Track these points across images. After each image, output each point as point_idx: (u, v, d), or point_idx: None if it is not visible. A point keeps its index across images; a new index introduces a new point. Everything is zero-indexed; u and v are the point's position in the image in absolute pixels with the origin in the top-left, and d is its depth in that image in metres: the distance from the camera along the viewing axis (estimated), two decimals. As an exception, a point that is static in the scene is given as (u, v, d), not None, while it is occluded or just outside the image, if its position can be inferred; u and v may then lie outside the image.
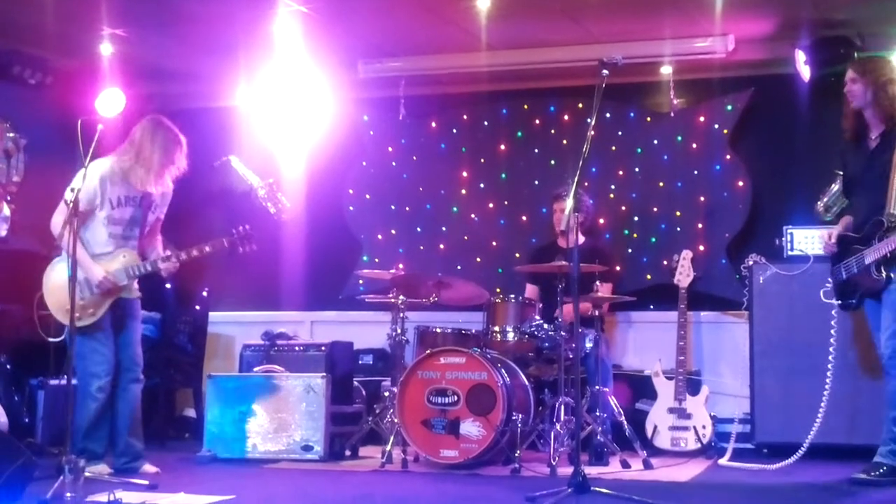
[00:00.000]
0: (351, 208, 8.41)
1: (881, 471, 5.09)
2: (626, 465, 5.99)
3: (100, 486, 4.88)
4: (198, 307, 7.93)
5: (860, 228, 5.32)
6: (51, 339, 5.40)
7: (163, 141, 5.65)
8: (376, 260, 8.16)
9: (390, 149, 8.37)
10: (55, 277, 5.59)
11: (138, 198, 5.66)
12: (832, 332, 5.79)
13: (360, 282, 8.08)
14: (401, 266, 7.16)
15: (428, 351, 6.16)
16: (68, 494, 4.58)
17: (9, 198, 6.60)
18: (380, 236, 8.32)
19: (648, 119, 7.87)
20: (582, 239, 5.15)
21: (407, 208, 8.31)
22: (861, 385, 6.16)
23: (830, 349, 5.82)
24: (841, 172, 5.79)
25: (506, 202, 8.10)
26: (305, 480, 5.72)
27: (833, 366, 5.83)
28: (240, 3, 6.59)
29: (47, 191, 6.07)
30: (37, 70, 7.51)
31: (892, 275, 5.11)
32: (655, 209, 7.76)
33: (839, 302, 5.53)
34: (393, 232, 8.32)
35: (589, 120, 5.02)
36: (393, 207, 8.33)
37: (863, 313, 5.49)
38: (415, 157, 8.33)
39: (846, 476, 5.24)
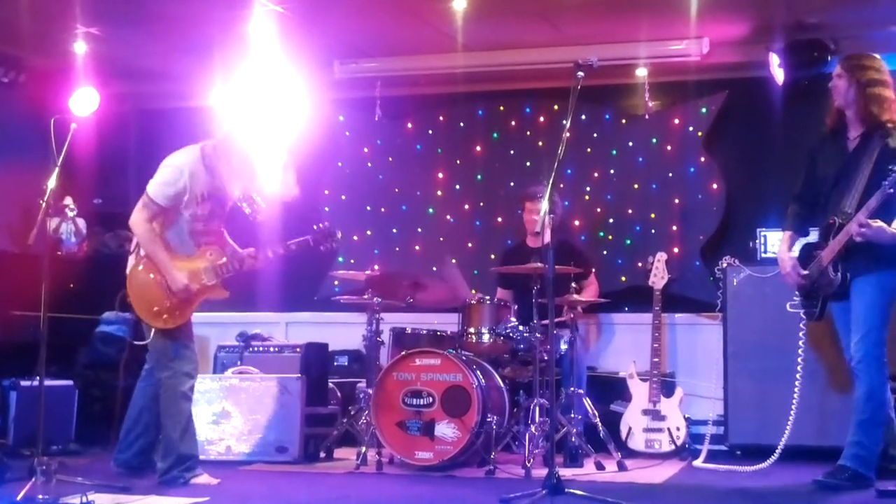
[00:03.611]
0: (326, 209, 8.39)
1: (846, 475, 5.03)
2: (600, 466, 6.00)
3: (72, 489, 4.85)
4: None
5: (822, 232, 5.23)
6: (136, 342, 5.33)
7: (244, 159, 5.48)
8: (352, 261, 8.15)
9: (366, 149, 8.37)
10: (141, 278, 5.36)
11: (220, 192, 5.48)
12: (801, 334, 5.82)
13: (336, 283, 8.07)
14: (376, 267, 7.14)
15: (403, 352, 6.15)
16: (40, 496, 4.55)
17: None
18: (355, 237, 8.30)
19: (623, 121, 7.89)
20: (548, 237, 5.13)
21: (382, 209, 8.30)
22: (830, 387, 6.21)
23: (800, 351, 5.85)
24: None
25: (481, 203, 8.11)
26: (280, 482, 5.70)
27: (803, 368, 5.86)
28: (215, 3, 6.57)
29: (19, 190, 6.05)
30: (10, 68, 7.45)
31: (849, 274, 5.04)
32: (630, 211, 7.79)
33: (804, 311, 5.42)
34: (368, 233, 8.31)
35: (564, 122, 5.02)
36: (368, 208, 8.32)
37: (829, 317, 5.37)
38: (391, 158, 8.33)
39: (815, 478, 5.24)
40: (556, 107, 7.90)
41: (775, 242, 6.59)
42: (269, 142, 5.72)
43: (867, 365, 5.01)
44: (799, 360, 5.85)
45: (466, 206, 8.14)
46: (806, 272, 5.23)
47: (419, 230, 8.22)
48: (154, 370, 5.55)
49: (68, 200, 7.68)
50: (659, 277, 7.12)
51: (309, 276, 8.25)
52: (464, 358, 6.11)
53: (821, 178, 5.30)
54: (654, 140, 7.79)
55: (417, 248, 8.20)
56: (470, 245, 8.06)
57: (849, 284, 5.08)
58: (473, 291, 6.89)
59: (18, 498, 4.55)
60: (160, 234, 5.35)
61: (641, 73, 7.61)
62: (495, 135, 8.14)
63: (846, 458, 5.08)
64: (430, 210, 8.23)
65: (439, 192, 8.21)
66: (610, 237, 7.83)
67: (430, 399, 5.98)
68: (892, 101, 5.12)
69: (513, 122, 8.09)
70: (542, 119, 8.01)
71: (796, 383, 5.85)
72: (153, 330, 5.39)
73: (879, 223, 4.89)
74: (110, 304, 7.35)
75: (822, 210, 5.25)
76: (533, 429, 5.94)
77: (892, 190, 4.82)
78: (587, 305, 6.85)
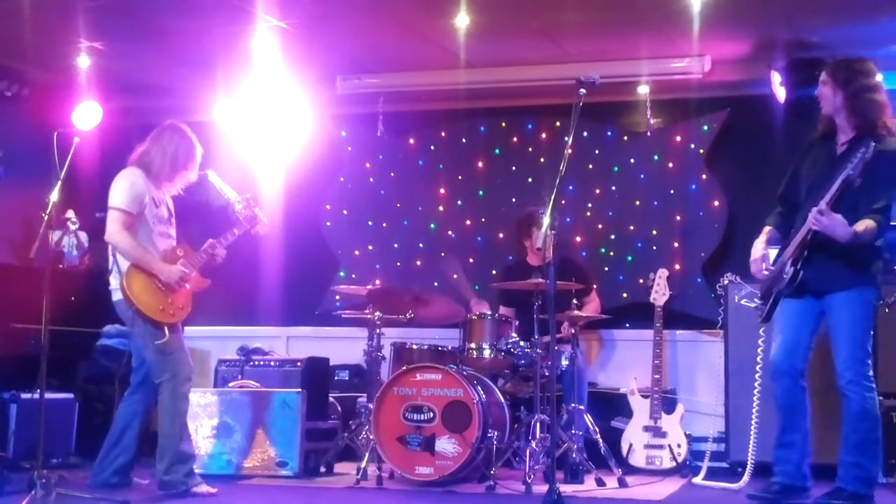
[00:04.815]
0: (328, 224, 8.40)
1: (845, 496, 4.93)
2: (601, 483, 5.99)
3: (72, 502, 4.85)
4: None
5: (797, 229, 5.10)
6: (157, 342, 5.44)
7: (177, 147, 5.71)
8: (353, 276, 8.15)
9: (368, 165, 8.38)
10: (138, 284, 5.48)
11: (163, 197, 5.73)
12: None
13: (337, 297, 8.07)
14: (377, 282, 7.13)
15: (404, 367, 6.15)
16: (39, 509, 4.55)
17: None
18: (357, 252, 8.31)
19: (625, 138, 7.91)
20: (550, 254, 5.13)
21: (384, 224, 8.31)
22: (825, 404, 6.17)
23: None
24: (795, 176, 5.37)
25: (483, 219, 8.12)
26: (280, 497, 5.70)
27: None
28: (218, 18, 6.59)
29: (21, 203, 6.06)
30: (13, 82, 7.47)
31: (803, 271, 4.93)
32: (632, 228, 7.80)
33: (757, 311, 5.27)
34: (370, 248, 8.31)
35: (566, 138, 5.04)
36: (370, 223, 8.33)
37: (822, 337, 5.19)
38: (393, 174, 8.34)
39: (819, 493, 5.17)
40: (557, 123, 7.92)
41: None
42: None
43: (857, 385, 4.92)
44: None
45: (468, 222, 8.15)
46: (772, 267, 5.13)
47: (421, 245, 8.23)
48: (145, 387, 5.66)
49: (70, 214, 7.68)
50: (660, 294, 7.13)
51: (310, 290, 8.26)
52: (465, 373, 6.11)
53: (803, 181, 5.18)
54: (656, 157, 7.80)
55: (419, 263, 8.20)
56: (471, 260, 8.06)
57: (803, 285, 4.97)
58: (474, 301, 6.88)
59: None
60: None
61: (643, 90, 7.64)
62: (497, 151, 8.15)
63: (845, 481, 4.96)
64: (432, 225, 8.23)
65: (441, 208, 8.22)
66: (611, 253, 7.83)
67: (431, 414, 5.97)
68: (882, 104, 5.01)
69: (515, 139, 8.11)
70: (543, 135, 8.02)
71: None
72: (144, 341, 5.50)
73: (839, 216, 4.76)
74: (111, 318, 7.35)
75: (800, 210, 5.13)
76: (534, 444, 5.93)
77: (852, 172, 4.67)
78: (588, 321, 6.84)
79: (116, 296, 5.57)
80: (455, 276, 7.41)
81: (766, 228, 5.29)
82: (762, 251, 5.18)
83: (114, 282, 5.57)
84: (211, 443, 6.36)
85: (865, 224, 4.81)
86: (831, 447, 5.22)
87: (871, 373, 4.96)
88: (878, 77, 5.10)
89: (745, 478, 5.79)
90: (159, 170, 5.66)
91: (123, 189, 5.53)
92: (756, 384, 5.96)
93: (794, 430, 5.07)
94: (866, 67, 5.09)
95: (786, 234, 5.21)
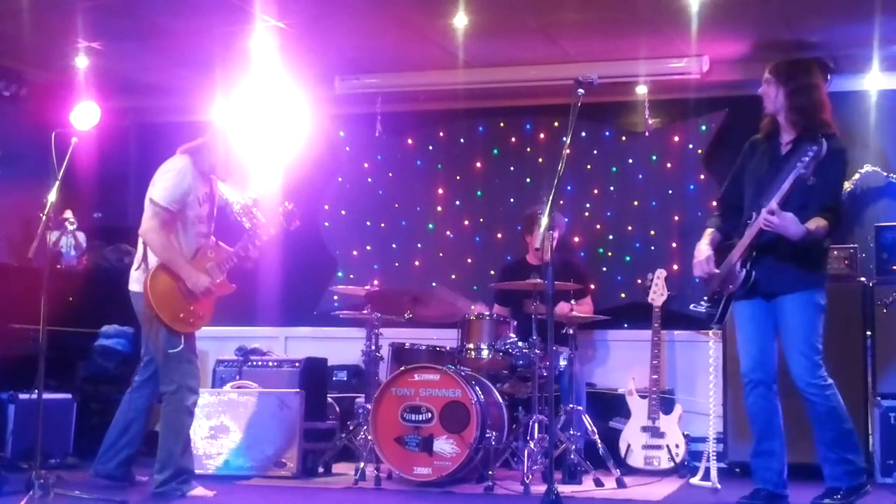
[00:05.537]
0: (326, 224, 8.40)
1: (840, 493, 4.91)
2: (599, 483, 5.99)
3: (70, 502, 4.85)
4: (171, 322, 7.88)
5: (741, 229, 5.06)
6: (171, 351, 5.37)
7: (231, 149, 5.63)
8: (351, 276, 8.15)
9: (366, 165, 8.38)
10: (161, 287, 5.35)
11: (210, 194, 5.60)
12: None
13: (335, 298, 8.07)
14: (376, 282, 7.12)
15: (402, 368, 6.15)
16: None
17: None
18: (355, 252, 8.31)
19: (623, 138, 7.92)
20: (549, 254, 5.13)
21: (382, 224, 8.31)
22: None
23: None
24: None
25: (481, 219, 8.13)
26: (278, 497, 5.70)
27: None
28: (217, 18, 6.58)
29: (19, 203, 6.05)
30: (12, 82, 7.47)
31: (754, 272, 4.92)
32: (630, 228, 7.80)
33: (707, 313, 5.25)
34: (368, 248, 8.31)
35: (564, 138, 5.03)
36: (368, 223, 8.33)
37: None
38: (391, 174, 8.34)
39: (814, 494, 5.16)
40: (556, 123, 7.92)
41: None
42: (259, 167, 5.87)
43: (817, 387, 4.89)
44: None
45: (466, 222, 8.15)
46: (717, 271, 5.09)
47: (419, 245, 8.23)
48: (152, 382, 5.60)
49: (68, 214, 7.69)
50: (658, 294, 7.13)
51: (308, 290, 8.26)
52: (463, 374, 6.11)
53: (746, 181, 5.16)
54: (654, 157, 7.80)
55: (417, 263, 8.20)
56: (469, 261, 8.06)
57: (755, 286, 4.95)
58: (473, 307, 6.89)
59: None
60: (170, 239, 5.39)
61: (641, 90, 7.64)
62: (495, 151, 8.16)
63: (837, 479, 4.94)
64: (430, 226, 8.23)
65: (439, 208, 8.22)
66: (609, 254, 7.84)
67: (429, 414, 5.97)
68: (822, 103, 4.99)
69: (513, 139, 8.11)
70: (542, 136, 8.03)
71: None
72: (157, 345, 5.40)
73: (791, 215, 4.74)
74: (110, 318, 7.36)
75: (745, 210, 5.09)
76: (532, 445, 5.93)
77: (804, 171, 4.65)
78: (585, 322, 6.84)
79: (135, 287, 5.42)
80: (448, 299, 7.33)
81: (709, 230, 5.25)
82: (707, 253, 5.14)
83: (138, 275, 5.41)
84: (209, 443, 6.35)
85: (817, 222, 4.80)
86: (799, 447, 5.30)
87: (824, 370, 4.92)
88: (819, 77, 5.09)
89: (707, 475, 5.84)
90: (218, 168, 5.54)
91: (171, 184, 5.35)
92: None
93: (771, 437, 5.06)
94: (808, 67, 5.11)
95: (727, 236, 5.20)
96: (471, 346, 6.35)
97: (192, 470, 5.50)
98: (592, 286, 7.37)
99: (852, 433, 4.98)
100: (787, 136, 5.05)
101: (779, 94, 5.03)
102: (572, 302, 6.46)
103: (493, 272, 7.79)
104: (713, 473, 5.94)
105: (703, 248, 5.16)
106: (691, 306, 5.38)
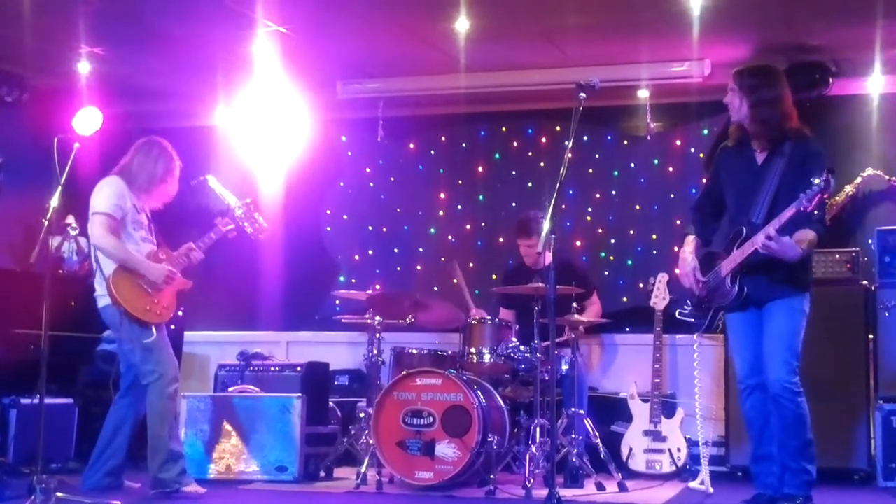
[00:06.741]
0: (328, 229, 8.41)
1: (800, 501, 4.91)
2: (601, 487, 5.98)
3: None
4: (173, 326, 7.83)
5: (725, 242, 5.06)
6: (145, 342, 5.54)
7: (156, 161, 5.83)
8: (353, 280, 8.16)
9: (368, 170, 8.39)
10: (124, 285, 5.56)
11: (143, 206, 5.83)
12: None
13: (337, 302, 8.07)
14: (377, 287, 7.11)
15: (404, 372, 6.15)
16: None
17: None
18: (357, 257, 8.32)
19: (625, 142, 7.92)
20: (549, 258, 5.13)
21: (384, 229, 8.32)
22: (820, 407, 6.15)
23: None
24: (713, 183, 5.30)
25: (483, 224, 8.13)
26: (279, 501, 5.70)
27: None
28: (218, 23, 6.60)
29: (21, 208, 6.05)
30: (14, 88, 7.49)
31: (745, 287, 4.92)
32: (632, 232, 7.80)
33: (692, 320, 5.23)
34: (370, 252, 8.32)
35: (566, 142, 5.04)
36: (370, 228, 8.34)
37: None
38: (393, 178, 8.34)
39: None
40: (558, 128, 7.93)
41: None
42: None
43: (790, 392, 4.87)
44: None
45: (468, 227, 8.16)
46: (704, 279, 5.09)
47: (421, 250, 8.23)
48: (133, 392, 5.74)
49: (70, 219, 7.67)
50: (660, 298, 7.11)
51: (310, 295, 8.26)
52: (465, 378, 6.10)
53: (724, 190, 5.14)
54: (656, 161, 7.81)
55: (419, 267, 8.20)
56: (472, 265, 8.06)
57: (746, 298, 4.95)
58: (473, 311, 6.88)
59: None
60: None
61: (643, 94, 7.64)
62: (497, 155, 8.16)
63: (795, 487, 4.92)
64: (432, 230, 8.24)
65: (441, 213, 8.22)
66: (611, 258, 7.83)
67: (431, 419, 5.97)
68: (789, 114, 4.95)
69: (515, 143, 8.11)
70: (544, 140, 8.03)
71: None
72: (132, 342, 5.58)
73: (788, 239, 4.73)
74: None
75: (729, 221, 5.10)
76: (534, 449, 5.92)
77: (808, 203, 4.61)
78: (588, 326, 6.84)
79: (103, 301, 5.64)
80: (455, 280, 7.41)
81: (690, 238, 5.24)
82: (693, 263, 5.13)
83: (99, 288, 5.64)
84: (211, 448, 6.35)
85: (808, 240, 4.81)
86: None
87: (799, 378, 4.91)
88: (784, 85, 5.01)
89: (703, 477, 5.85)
90: (139, 181, 5.75)
91: (107, 195, 5.63)
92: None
93: (769, 441, 5.05)
94: (771, 75, 5.05)
95: (707, 242, 5.22)
96: (472, 350, 6.34)
97: (184, 455, 5.68)
98: (596, 289, 7.34)
99: (812, 444, 4.98)
100: (757, 144, 5.02)
101: (742, 105, 4.99)
102: (574, 306, 6.44)
103: (494, 276, 7.79)
104: (706, 477, 5.94)
105: (689, 259, 5.16)
106: (677, 313, 5.37)
